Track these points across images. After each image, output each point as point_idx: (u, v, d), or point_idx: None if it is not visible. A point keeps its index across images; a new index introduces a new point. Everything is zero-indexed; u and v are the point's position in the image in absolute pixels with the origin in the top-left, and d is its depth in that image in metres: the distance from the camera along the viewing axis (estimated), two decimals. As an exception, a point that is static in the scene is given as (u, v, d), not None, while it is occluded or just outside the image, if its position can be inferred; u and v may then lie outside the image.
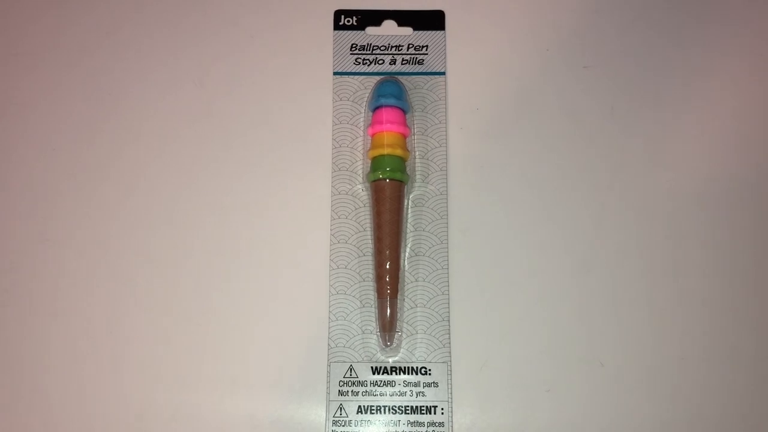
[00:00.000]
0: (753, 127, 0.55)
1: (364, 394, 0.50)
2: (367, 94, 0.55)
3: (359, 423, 0.50)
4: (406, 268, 0.52)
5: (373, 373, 0.50)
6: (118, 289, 0.52)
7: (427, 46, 0.56)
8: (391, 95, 0.52)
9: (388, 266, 0.51)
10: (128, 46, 0.56)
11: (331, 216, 0.53)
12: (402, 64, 0.55)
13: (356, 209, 0.53)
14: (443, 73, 0.55)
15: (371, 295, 0.51)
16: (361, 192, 0.53)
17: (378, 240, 0.51)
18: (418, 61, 0.55)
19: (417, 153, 0.54)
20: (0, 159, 0.54)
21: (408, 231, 0.53)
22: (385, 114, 0.52)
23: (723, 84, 0.56)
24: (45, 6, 0.57)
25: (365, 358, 0.51)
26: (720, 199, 0.54)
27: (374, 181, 0.52)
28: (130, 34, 0.57)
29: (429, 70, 0.55)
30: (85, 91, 0.56)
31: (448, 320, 0.51)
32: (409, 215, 0.53)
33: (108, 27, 0.57)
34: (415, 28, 0.56)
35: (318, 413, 0.50)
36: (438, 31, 0.56)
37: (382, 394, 0.50)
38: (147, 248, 0.53)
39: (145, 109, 0.55)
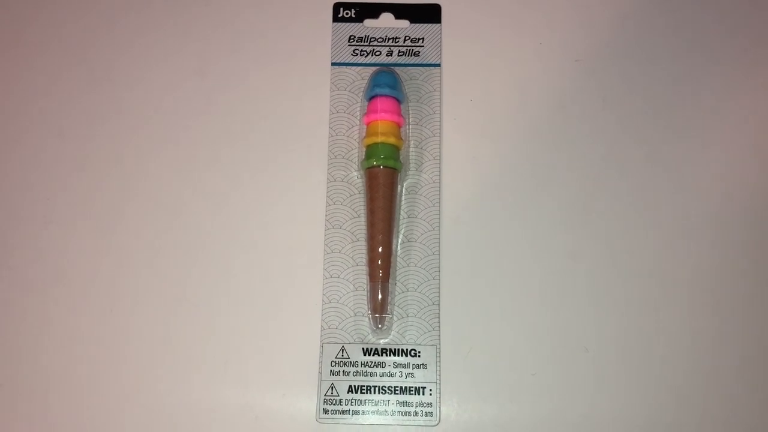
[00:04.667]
0: (745, 122, 0.56)
1: (355, 374, 0.52)
2: (363, 85, 0.56)
3: (350, 402, 0.51)
4: (399, 253, 0.53)
5: (365, 354, 0.52)
6: (114, 270, 0.54)
7: (423, 38, 0.57)
8: (386, 85, 0.54)
9: (380, 251, 0.52)
10: (128, 35, 0.58)
11: (327, 202, 0.54)
12: (398, 55, 0.57)
13: (351, 196, 0.54)
14: (438, 65, 0.57)
15: (364, 279, 0.53)
16: (356, 179, 0.55)
17: (371, 225, 0.53)
18: (414, 53, 0.57)
19: (411, 142, 0.55)
20: (6, 145, 0.56)
21: (401, 218, 0.54)
22: (380, 103, 0.53)
23: (714, 76, 0.57)
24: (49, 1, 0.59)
25: (357, 340, 0.52)
26: (707, 192, 0.55)
27: (368, 168, 0.53)
28: (131, 22, 0.58)
29: (425, 62, 0.57)
30: (88, 81, 0.57)
31: (438, 304, 0.53)
32: (403, 202, 0.54)
33: (109, 12, 0.59)
34: (412, 21, 0.57)
35: (310, 392, 0.52)
36: (434, 24, 0.57)
37: (372, 375, 0.52)
38: (144, 233, 0.54)
39: (146, 99, 0.57)
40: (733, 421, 0.51)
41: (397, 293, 0.53)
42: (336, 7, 0.58)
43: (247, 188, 0.55)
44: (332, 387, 0.51)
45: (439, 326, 0.52)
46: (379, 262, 0.52)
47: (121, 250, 0.54)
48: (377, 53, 0.57)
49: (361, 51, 0.57)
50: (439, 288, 0.53)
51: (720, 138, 0.56)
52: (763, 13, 0.58)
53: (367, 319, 0.52)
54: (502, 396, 0.52)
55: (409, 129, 0.56)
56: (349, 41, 0.57)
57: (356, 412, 0.51)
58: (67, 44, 0.58)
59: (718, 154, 0.56)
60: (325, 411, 0.51)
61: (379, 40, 0.57)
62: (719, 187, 0.55)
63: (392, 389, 0.51)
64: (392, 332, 0.52)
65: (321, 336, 0.52)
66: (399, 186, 0.54)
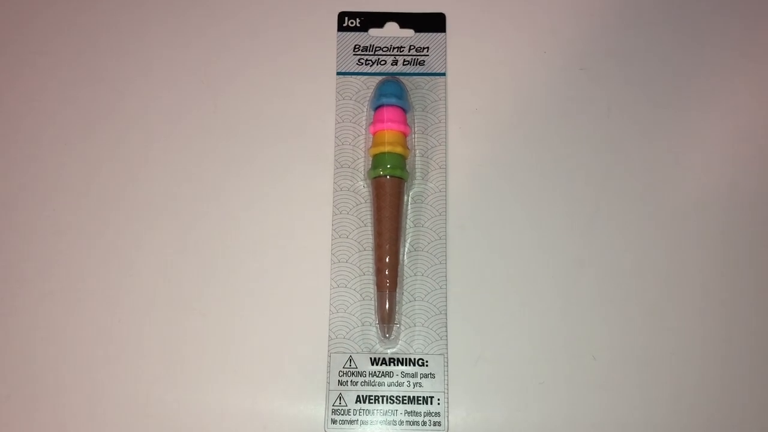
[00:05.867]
0: (753, 129, 0.56)
1: (363, 384, 0.52)
2: (369, 94, 0.56)
3: (358, 412, 0.51)
4: (406, 262, 0.53)
5: (372, 364, 0.52)
6: (120, 277, 0.54)
7: (428, 47, 0.57)
8: (392, 95, 0.54)
9: (387, 260, 0.52)
10: (134, 43, 0.58)
11: (333, 211, 0.54)
12: (403, 64, 0.57)
13: (357, 205, 0.54)
14: (443, 74, 0.57)
15: (371, 289, 0.53)
16: (363, 188, 0.55)
17: (378, 235, 0.53)
18: (419, 62, 0.57)
19: (417, 151, 0.56)
20: (12, 150, 0.56)
21: (408, 227, 0.54)
22: (386, 113, 0.54)
23: (720, 84, 0.57)
24: (51, 1, 0.59)
25: (365, 350, 0.52)
26: (713, 197, 0.55)
27: (375, 177, 0.53)
28: (138, 36, 0.58)
29: (429, 71, 0.57)
30: (92, 88, 0.57)
31: (446, 314, 0.53)
32: (409, 211, 0.54)
33: (114, 29, 0.59)
34: (417, 30, 0.58)
35: (318, 402, 0.52)
36: (439, 33, 0.58)
37: (380, 384, 0.52)
38: (150, 241, 0.54)
39: (151, 107, 0.57)
40: (744, 429, 0.51)
41: (404, 302, 0.53)
42: (341, 16, 0.58)
43: (253, 197, 0.55)
44: (340, 397, 0.51)
45: (446, 335, 0.52)
46: (386, 272, 0.52)
47: (129, 258, 0.54)
48: (382, 62, 0.57)
49: (367, 60, 0.57)
50: (446, 297, 0.53)
51: (727, 144, 0.56)
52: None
53: (374, 329, 0.52)
54: (510, 405, 0.52)
55: (414, 138, 0.56)
56: (354, 50, 0.57)
57: (364, 422, 0.51)
58: (72, 48, 0.58)
59: (725, 161, 0.56)
60: (334, 421, 0.51)
61: (384, 49, 0.57)
62: (727, 193, 0.55)
63: (400, 399, 0.51)
64: (400, 342, 0.52)
65: (329, 346, 0.52)
66: (405, 195, 0.54)
